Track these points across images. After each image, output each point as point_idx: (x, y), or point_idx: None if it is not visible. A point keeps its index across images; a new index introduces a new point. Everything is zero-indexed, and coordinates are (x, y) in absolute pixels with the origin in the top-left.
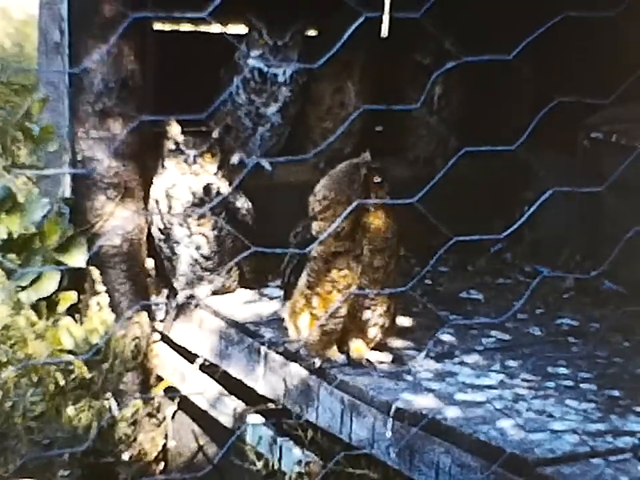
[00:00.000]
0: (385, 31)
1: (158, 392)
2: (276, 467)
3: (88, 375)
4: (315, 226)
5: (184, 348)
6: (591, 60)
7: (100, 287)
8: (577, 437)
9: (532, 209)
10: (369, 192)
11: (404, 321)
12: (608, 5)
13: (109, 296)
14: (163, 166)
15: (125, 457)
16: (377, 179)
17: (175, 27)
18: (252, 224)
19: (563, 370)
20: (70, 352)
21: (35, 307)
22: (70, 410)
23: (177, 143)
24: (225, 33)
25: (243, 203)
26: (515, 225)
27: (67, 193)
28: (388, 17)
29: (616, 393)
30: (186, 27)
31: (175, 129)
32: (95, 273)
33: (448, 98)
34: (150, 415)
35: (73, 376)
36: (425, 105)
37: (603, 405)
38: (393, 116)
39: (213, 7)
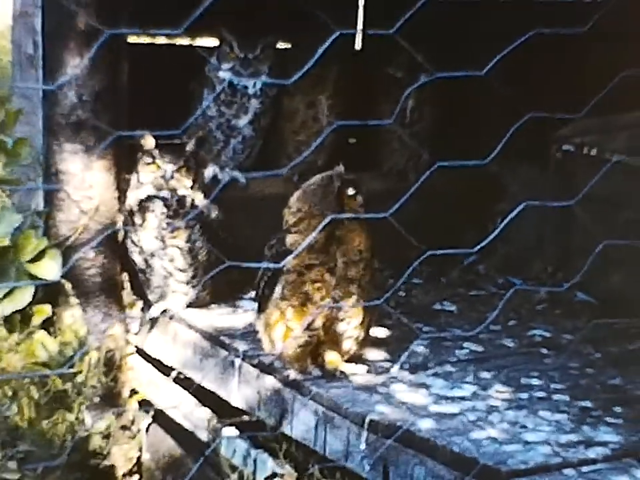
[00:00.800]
0: (358, 45)
1: (132, 405)
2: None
3: (62, 388)
4: (289, 238)
5: (158, 361)
6: (563, 73)
7: (73, 300)
8: (549, 447)
9: (504, 223)
10: (343, 204)
11: (378, 333)
12: (579, 20)
13: (83, 309)
14: (138, 180)
15: (100, 470)
16: (351, 192)
17: (149, 40)
18: (226, 236)
19: (535, 381)
20: (44, 365)
21: (8, 319)
22: (44, 423)
23: (152, 157)
24: (196, 46)
25: (217, 216)
26: (487, 239)
27: (41, 206)
28: (361, 30)
29: (588, 404)
30: (159, 40)
31: (149, 143)
32: (68, 286)
33: (420, 111)
34: (124, 428)
35: (46, 389)
36: (398, 119)
37: (575, 415)
38: (366, 129)
39: (187, 23)
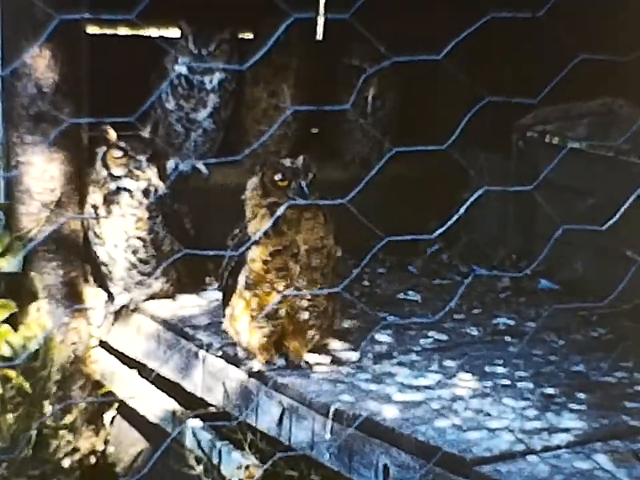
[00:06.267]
0: (319, 34)
1: (97, 397)
2: (216, 471)
3: (26, 383)
4: (251, 228)
5: (122, 353)
6: (520, 60)
7: (41, 294)
8: (513, 435)
9: (464, 207)
10: (273, 190)
11: (342, 323)
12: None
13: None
14: (109, 174)
15: (66, 464)
16: (278, 177)
17: (111, 31)
18: (189, 227)
19: (500, 369)
20: (7, 359)
21: None
22: (9, 418)
23: (123, 150)
24: (156, 37)
25: (179, 206)
26: (446, 225)
27: (2, 199)
28: (322, 20)
29: (551, 391)
30: (120, 31)
31: (112, 135)
32: (37, 278)
33: (382, 99)
34: (89, 422)
35: (10, 384)
36: (360, 107)
37: (538, 403)
38: (328, 118)
39: (140, 8)
